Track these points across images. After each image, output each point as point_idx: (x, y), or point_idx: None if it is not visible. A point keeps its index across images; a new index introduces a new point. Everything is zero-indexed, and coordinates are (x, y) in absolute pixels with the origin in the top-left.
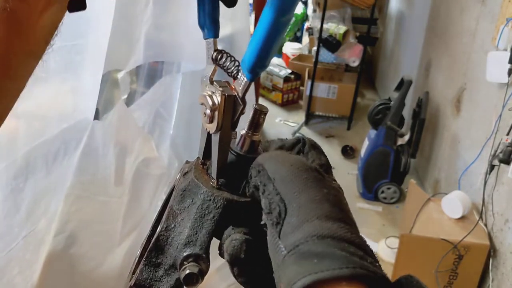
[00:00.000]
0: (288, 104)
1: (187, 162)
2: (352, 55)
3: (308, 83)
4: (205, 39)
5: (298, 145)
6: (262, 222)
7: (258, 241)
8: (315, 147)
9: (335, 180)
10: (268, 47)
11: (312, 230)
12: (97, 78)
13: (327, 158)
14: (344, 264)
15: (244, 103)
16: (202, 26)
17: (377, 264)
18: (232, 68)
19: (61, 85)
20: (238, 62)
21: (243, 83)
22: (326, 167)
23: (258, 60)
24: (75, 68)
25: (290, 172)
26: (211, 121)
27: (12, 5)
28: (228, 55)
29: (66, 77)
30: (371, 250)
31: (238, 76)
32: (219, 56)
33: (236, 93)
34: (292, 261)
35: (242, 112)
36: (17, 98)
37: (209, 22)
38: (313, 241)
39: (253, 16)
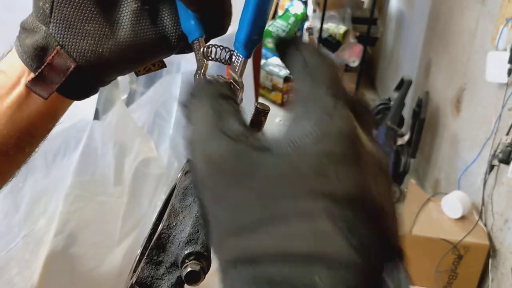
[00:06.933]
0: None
1: (188, 161)
2: (352, 55)
3: None
4: (191, 41)
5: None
6: None
7: None
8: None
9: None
10: (260, 15)
11: (227, 254)
12: None
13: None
14: None
15: (242, 86)
16: (186, 30)
17: None
18: (225, 54)
19: None
20: (229, 48)
21: (238, 63)
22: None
23: (251, 32)
24: None
25: (208, 171)
26: None
27: None
28: (217, 46)
29: None
30: None
31: (232, 60)
32: (208, 51)
33: (231, 81)
34: (221, 277)
35: (241, 99)
36: None
37: (195, 22)
38: (234, 268)
39: None
